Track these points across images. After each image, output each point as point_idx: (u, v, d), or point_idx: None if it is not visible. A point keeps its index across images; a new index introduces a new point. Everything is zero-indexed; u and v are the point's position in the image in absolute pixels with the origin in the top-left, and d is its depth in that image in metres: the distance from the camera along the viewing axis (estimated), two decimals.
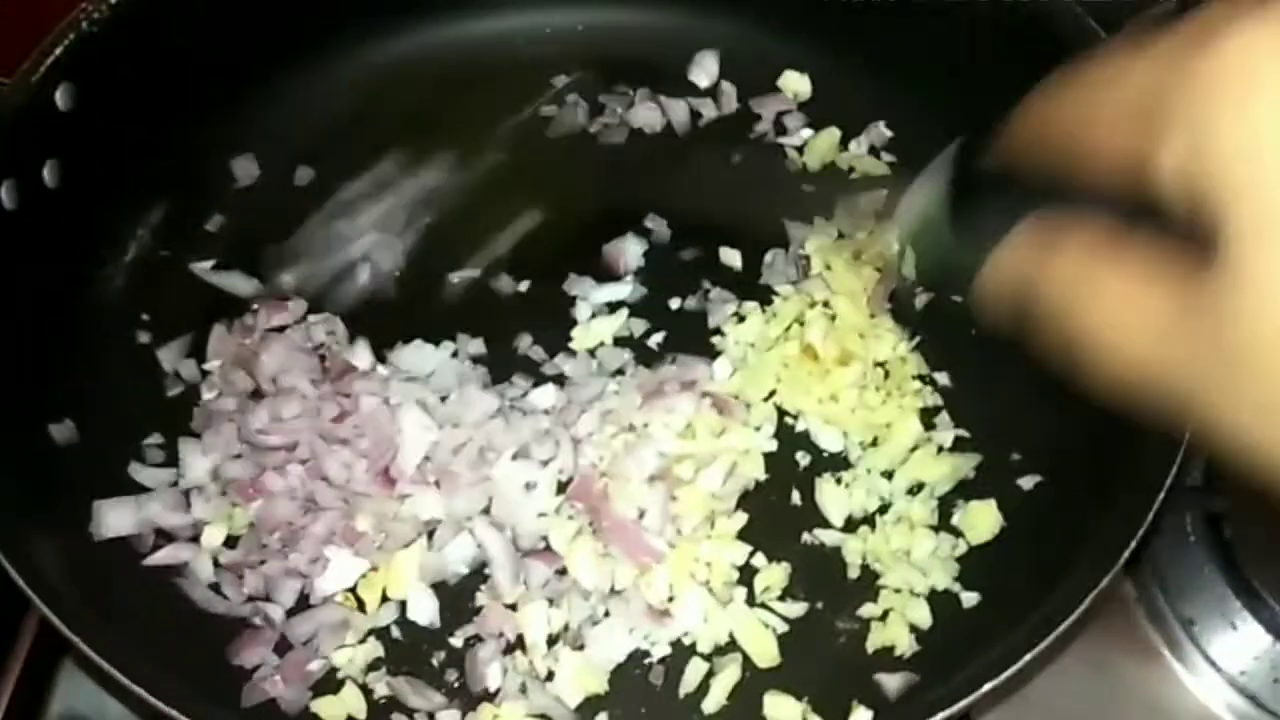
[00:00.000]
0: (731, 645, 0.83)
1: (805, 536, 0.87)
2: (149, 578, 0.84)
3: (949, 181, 0.56)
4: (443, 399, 0.89)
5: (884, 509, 0.88)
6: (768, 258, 0.99)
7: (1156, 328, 0.37)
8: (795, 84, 1.08)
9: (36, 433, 0.87)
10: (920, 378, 0.93)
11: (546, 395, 0.90)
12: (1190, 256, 0.36)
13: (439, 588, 0.84)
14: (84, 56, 0.89)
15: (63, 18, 0.89)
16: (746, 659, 0.82)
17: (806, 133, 1.06)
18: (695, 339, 0.95)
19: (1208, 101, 0.34)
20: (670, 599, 0.82)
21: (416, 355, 0.92)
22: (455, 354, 0.93)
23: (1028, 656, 0.69)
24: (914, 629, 0.83)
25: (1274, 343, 0.33)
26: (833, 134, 1.05)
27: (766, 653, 0.82)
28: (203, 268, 0.97)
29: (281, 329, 0.93)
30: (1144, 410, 0.39)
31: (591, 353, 0.94)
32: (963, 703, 0.69)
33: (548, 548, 0.85)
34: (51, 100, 0.88)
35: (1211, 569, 0.86)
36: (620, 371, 0.93)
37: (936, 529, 0.86)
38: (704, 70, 1.09)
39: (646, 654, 0.82)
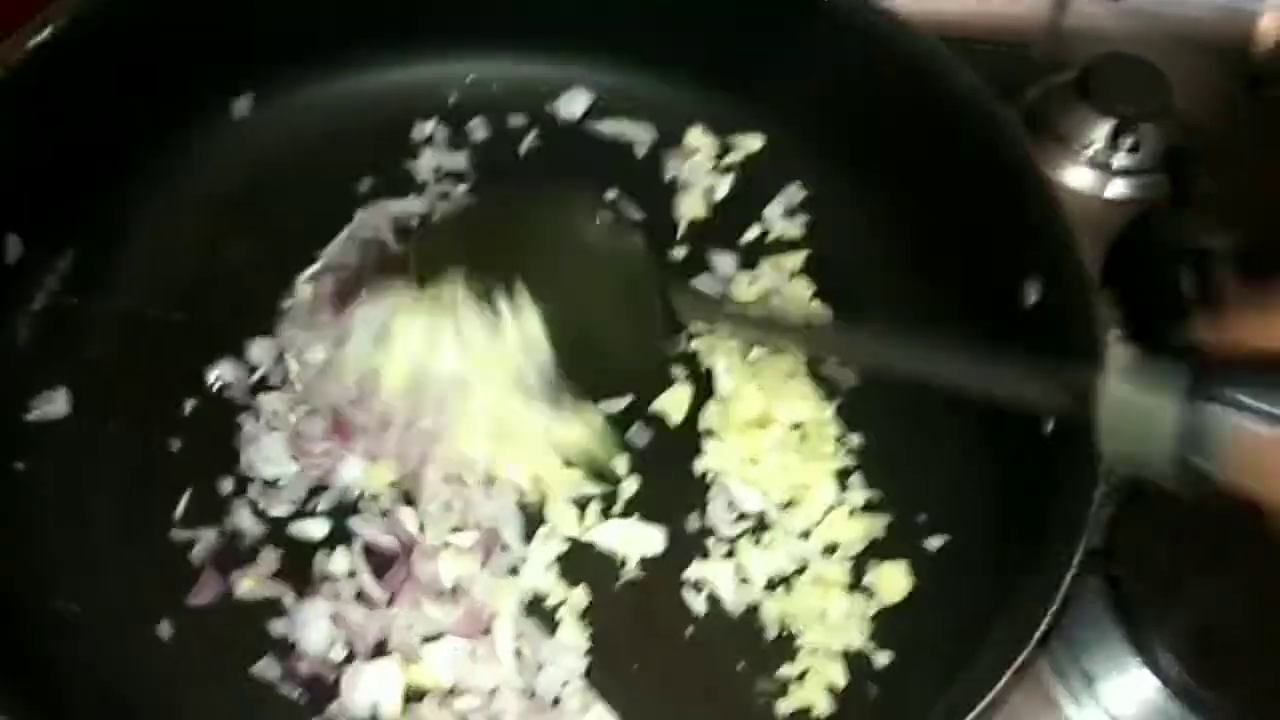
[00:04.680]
0: None
1: None
2: None
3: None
4: None
5: (801, 570, 0.89)
6: None
7: None
8: (699, 138, 1.10)
9: None
10: (835, 439, 0.95)
11: None
12: None
13: None
14: None
15: None
16: None
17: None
18: None
19: None
20: None
21: None
22: None
23: None
24: (830, 689, 0.84)
25: None
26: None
27: None
28: None
29: None
30: None
31: None
32: None
33: None
34: None
35: (1112, 628, 0.89)
36: None
37: (850, 588, 0.88)
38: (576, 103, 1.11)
39: None
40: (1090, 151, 1.15)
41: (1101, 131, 1.15)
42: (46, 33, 0.90)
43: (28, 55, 0.89)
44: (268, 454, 0.90)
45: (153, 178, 1.01)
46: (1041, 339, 0.86)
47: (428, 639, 0.84)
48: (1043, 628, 0.72)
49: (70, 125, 0.93)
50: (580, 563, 0.89)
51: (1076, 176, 1.15)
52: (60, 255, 0.97)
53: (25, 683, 0.75)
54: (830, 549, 0.90)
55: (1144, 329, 0.99)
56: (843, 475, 0.93)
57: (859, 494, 0.92)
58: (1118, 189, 1.14)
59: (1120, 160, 1.14)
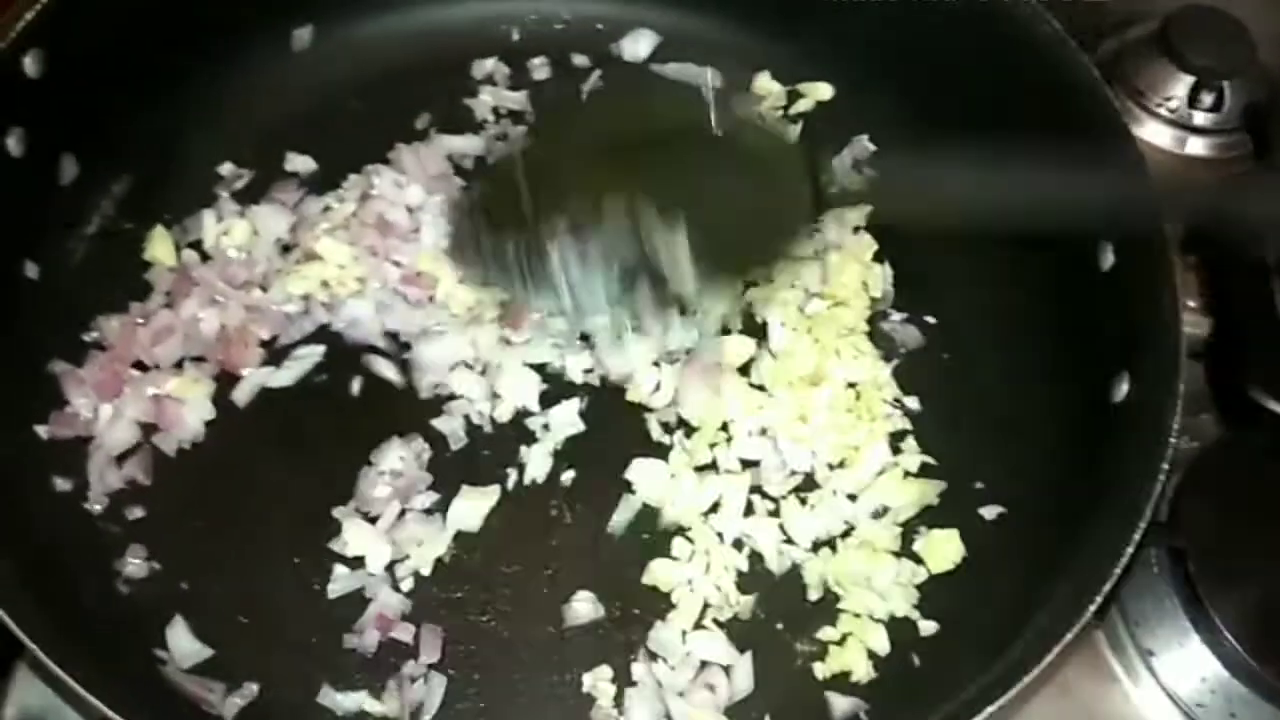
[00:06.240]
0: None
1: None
2: (107, 585, 0.83)
3: None
4: None
5: (847, 532, 0.87)
6: None
7: None
8: (767, 85, 1.08)
9: None
10: (890, 401, 0.92)
11: None
12: None
13: None
14: (56, 22, 0.87)
15: None
16: None
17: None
18: None
19: None
20: None
21: None
22: None
23: (990, 709, 0.68)
24: (872, 655, 0.83)
25: None
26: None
27: None
28: None
29: None
30: None
31: None
32: None
33: None
34: (20, 67, 0.86)
35: (1173, 603, 0.86)
36: None
37: (898, 555, 0.86)
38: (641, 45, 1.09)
39: None
40: (1169, 108, 1.10)
41: (1181, 87, 1.10)
42: None
43: None
44: None
45: (210, 106, 1.00)
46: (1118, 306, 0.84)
47: None
48: (1096, 604, 0.70)
49: (129, 49, 0.93)
50: None
51: (1154, 133, 1.10)
52: (115, 179, 0.97)
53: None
54: (879, 513, 0.88)
55: (1225, 296, 0.95)
56: (896, 438, 0.91)
57: (913, 458, 0.90)
58: (1197, 147, 1.10)
59: (1200, 118, 1.10)
